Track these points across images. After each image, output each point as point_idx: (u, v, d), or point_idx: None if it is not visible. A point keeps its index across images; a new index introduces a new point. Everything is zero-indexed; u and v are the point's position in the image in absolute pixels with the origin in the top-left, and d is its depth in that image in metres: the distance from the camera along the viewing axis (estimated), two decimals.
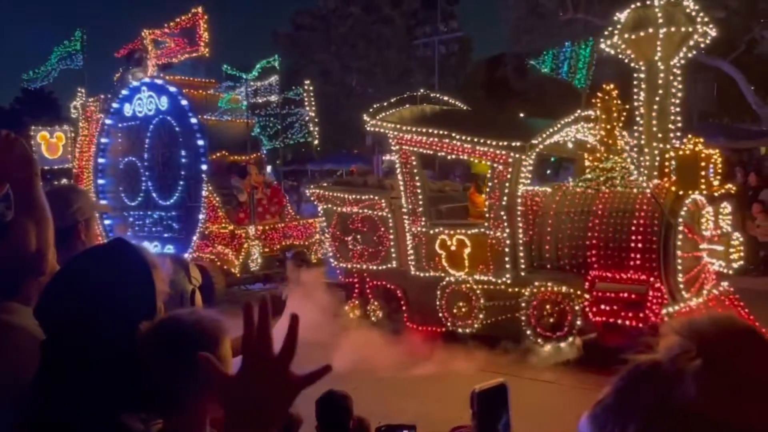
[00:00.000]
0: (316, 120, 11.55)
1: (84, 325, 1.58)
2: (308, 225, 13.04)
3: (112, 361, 1.53)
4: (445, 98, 10.52)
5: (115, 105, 13.91)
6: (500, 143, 8.06)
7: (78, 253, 1.86)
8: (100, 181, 14.37)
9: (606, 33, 8.23)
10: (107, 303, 1.61)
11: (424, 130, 8.74)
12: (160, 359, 1.57)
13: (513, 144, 7.97)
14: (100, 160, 14.34)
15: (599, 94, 8.29)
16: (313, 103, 11.32)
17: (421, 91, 10.07)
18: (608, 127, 8.21)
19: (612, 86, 8.20)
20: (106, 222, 14.25)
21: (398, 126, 9.00)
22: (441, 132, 8.54)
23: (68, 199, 2.65)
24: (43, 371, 1.60)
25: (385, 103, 9.57)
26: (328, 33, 38.11)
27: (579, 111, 8.48)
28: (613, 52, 8.28)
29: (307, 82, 11.49)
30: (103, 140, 14.28)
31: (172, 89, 12.90)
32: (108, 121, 14.14)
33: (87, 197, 2.91)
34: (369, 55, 37.18)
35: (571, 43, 9.69)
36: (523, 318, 8.11)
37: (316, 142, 11.92)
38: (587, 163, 8.46)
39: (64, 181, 15.48)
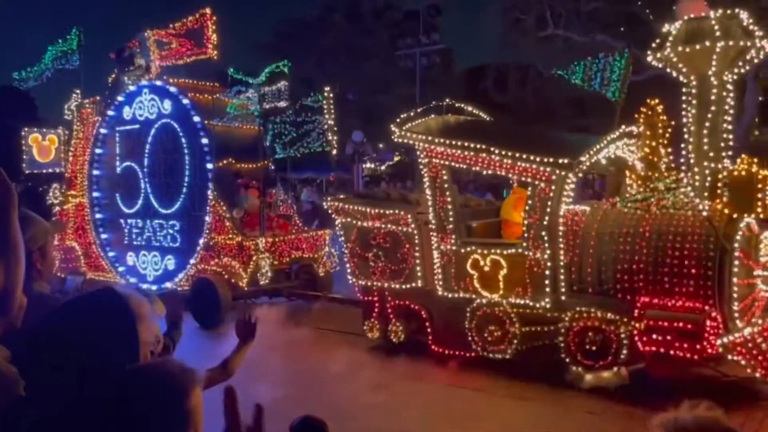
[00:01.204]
0: (335, 128, 11.01)
1: (65, 374, 1.66)
2: (317, 237, 12.49)
3: (89, 409, 1.57)
4: (469, 108, 10.07)
5: (113, 107, 13.25)
6: (546, 159, 7.59)
7: (65, 303, 1.94)
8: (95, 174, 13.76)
9: (654, 45, 7.81)
10: (88, 355, 1.68)
11: (459, 143, 8.24)
12: (129, 410, 1.58)
13: (560, 161, 7.50)
14: (95, 172, 13.73)
15: (643, 109, 7.86)
16: (332, 110, 10.79)
17: (447, 101, 9.61)
18: (653, 144, 7.79)
19: (657, 101, 7.79)
20: (100, 219, 13.70)
21: (430, 138, 8.48)
22: (479, 146, 8.05)
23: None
24: (20, 406, 1.64)
25: (411, 113, 9.10)
26: (310, 42, 37.63)
27: (624, 127, 8.04)
28: (661, 65, 7.86)
29: (327, 89, 10.94)
30: (98, 151, 13.66)
31: (173, 89, 12.28)
32: (103, 131, 13.48)
33: (39, 224, 2.83)
34: (351, 65, 36.79)
35: (605, 55, 9.25)
36: (563, 345, 7.67)
37: (334, 151, 11.41)
38: (628, 181, 8.03)
39: (55, 185, 14.78)
